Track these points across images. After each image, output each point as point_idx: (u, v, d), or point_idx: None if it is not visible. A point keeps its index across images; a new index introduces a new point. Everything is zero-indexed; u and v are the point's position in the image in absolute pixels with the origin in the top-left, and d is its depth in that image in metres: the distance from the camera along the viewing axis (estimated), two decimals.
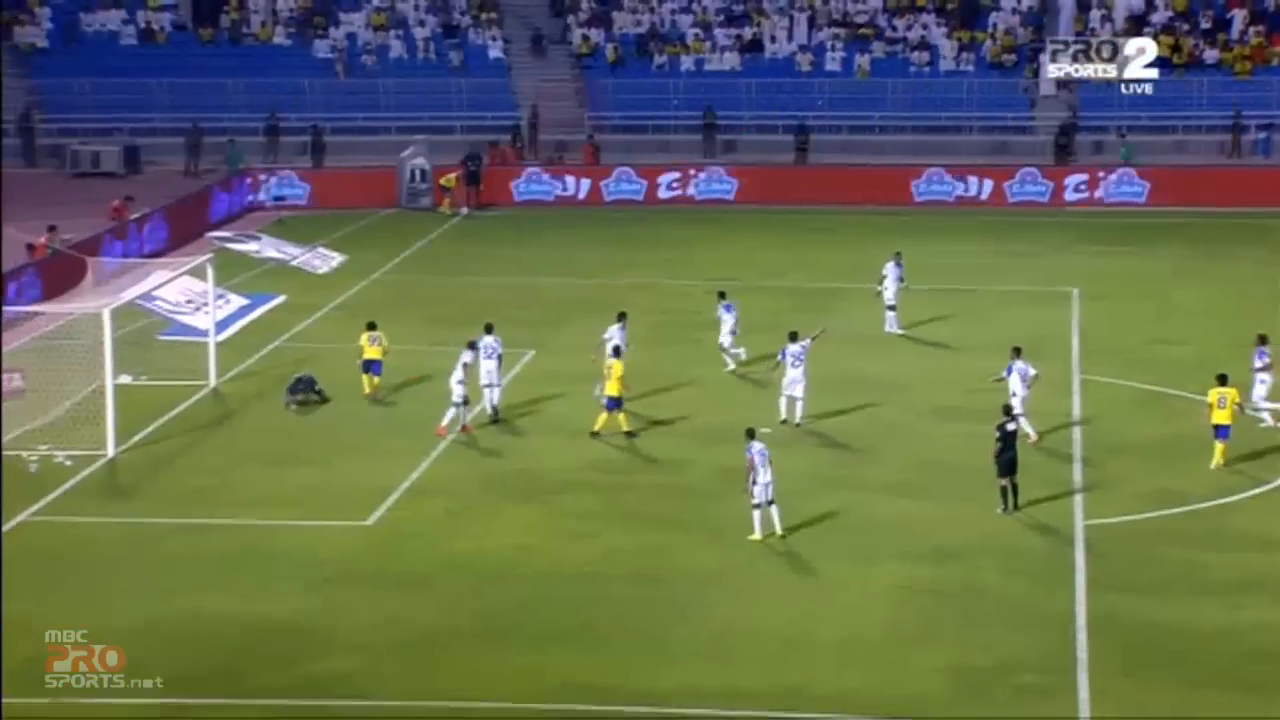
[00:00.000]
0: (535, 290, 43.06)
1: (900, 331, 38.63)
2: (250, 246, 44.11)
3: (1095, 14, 65.51)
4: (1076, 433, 32.19)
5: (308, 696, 21.58)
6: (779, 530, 26.88)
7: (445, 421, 31.74)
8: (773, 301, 41.97)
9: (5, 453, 30.06)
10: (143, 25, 66.90)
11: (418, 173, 56.62)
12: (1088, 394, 34.57)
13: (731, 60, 65.76)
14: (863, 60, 65.04)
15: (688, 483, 29.72)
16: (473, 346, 32.28)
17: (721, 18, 67.58)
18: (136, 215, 49.00)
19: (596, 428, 31.48)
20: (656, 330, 38.58)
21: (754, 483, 26.72)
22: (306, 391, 33.85)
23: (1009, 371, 31.46)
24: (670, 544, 26.83)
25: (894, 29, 66.79)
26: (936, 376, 35.51)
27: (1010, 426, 28.26)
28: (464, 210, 54.92)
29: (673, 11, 67.93)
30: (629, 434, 31.54)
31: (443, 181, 55.47)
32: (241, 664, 22.49)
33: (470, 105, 64.12)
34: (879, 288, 39.07)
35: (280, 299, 40.23)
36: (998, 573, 25.66)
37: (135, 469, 30.33)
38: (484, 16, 67.52)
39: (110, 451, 30.63)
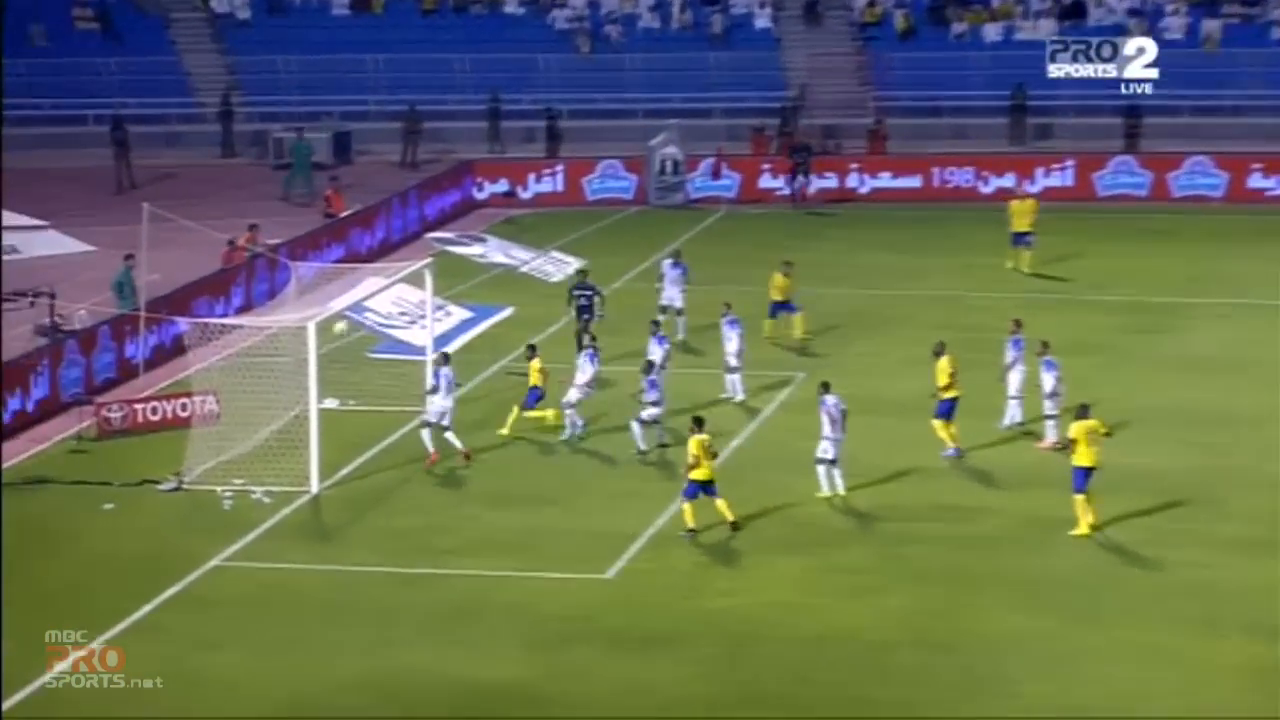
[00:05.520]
0: (807, 302, 43.04)
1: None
2: (474, 250, 44.89)
3: None
4: None
5: None
6: (841, 490, 30.18)
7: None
8: (1100, 318, 41.57)
9: (197, 488, 31.32)
10: None
11: (669, 164, 57.14)
12: None
13: (1047, 28, 65.09)
14: (1211, 27, 63.75)
15: (983, 532, 29.59)
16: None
17: None
18: (349, 211, 50.31)
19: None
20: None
21: (825, 437, 30.27)
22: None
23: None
24: (965, 604, 26.74)
25: None
26: None
27: None
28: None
29: None
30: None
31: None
32: None
33: (732, 84, 64.54)
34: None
35: (508, 311, 40.93)
36: None
37: (341, 508, 31.12)
38: None
39: (314, 487, 31.49)
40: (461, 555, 28.77)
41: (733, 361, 36.45)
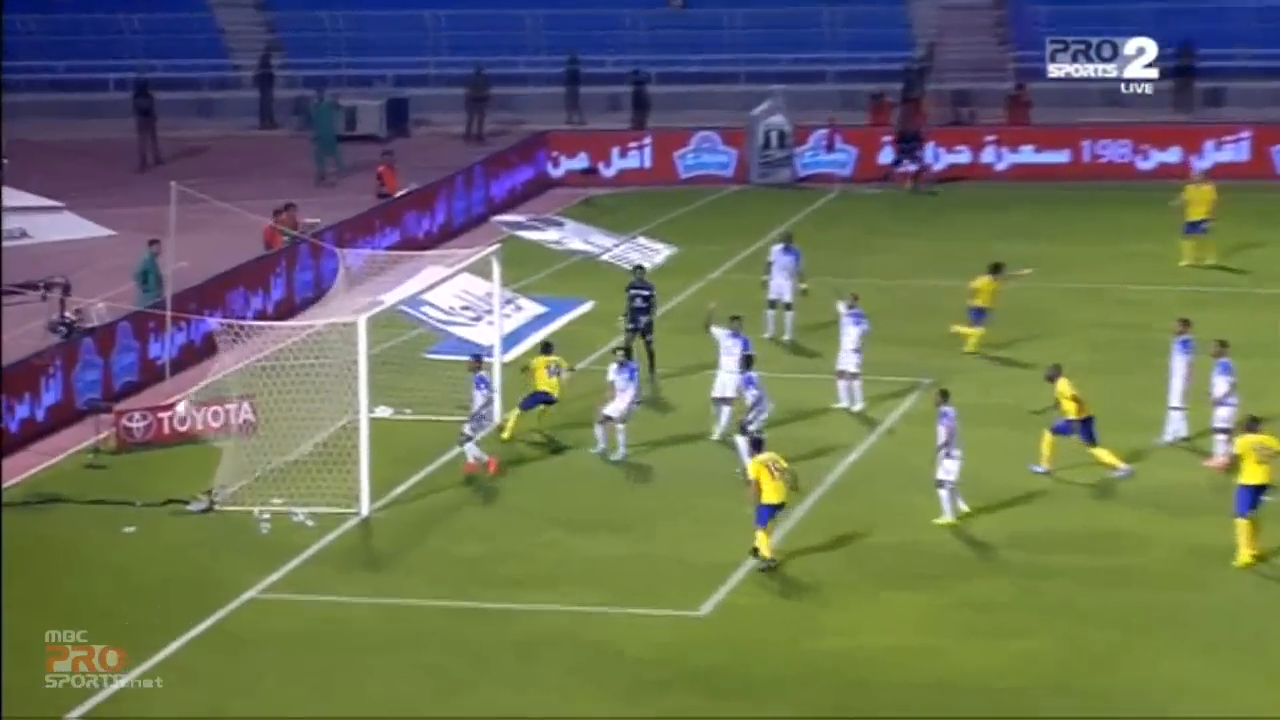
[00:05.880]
0: (932, 297, 43.07)
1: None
2: (549, 235, 45.21)
3: None
4: None
5: None
6: (964, 508, 30.68)
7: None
8: (1277, 315, 41.40)
9: (230, 508, 31.66)
10: None
11: (774, 136, 57.23)
12: None
13: None
14: None
15: (1133, 564, 29.59)
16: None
17: None
18: (405, 190, 50.64)
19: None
20: (1099, 353, 38.35)
21: (947, 455, 30.38)
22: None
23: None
24: (1111, 647, 26.73)
25: None
26: None
27: None
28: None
29: None
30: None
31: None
32: None
33: (848, 43, 64.48)
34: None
35: (587, 305, 41.09)
36: None
37: (394, 532, 31.34)
38: None
39: (363, 509, 31.71)
40: (532, 587, 28.94)
41: (849, 364, 36.37)
